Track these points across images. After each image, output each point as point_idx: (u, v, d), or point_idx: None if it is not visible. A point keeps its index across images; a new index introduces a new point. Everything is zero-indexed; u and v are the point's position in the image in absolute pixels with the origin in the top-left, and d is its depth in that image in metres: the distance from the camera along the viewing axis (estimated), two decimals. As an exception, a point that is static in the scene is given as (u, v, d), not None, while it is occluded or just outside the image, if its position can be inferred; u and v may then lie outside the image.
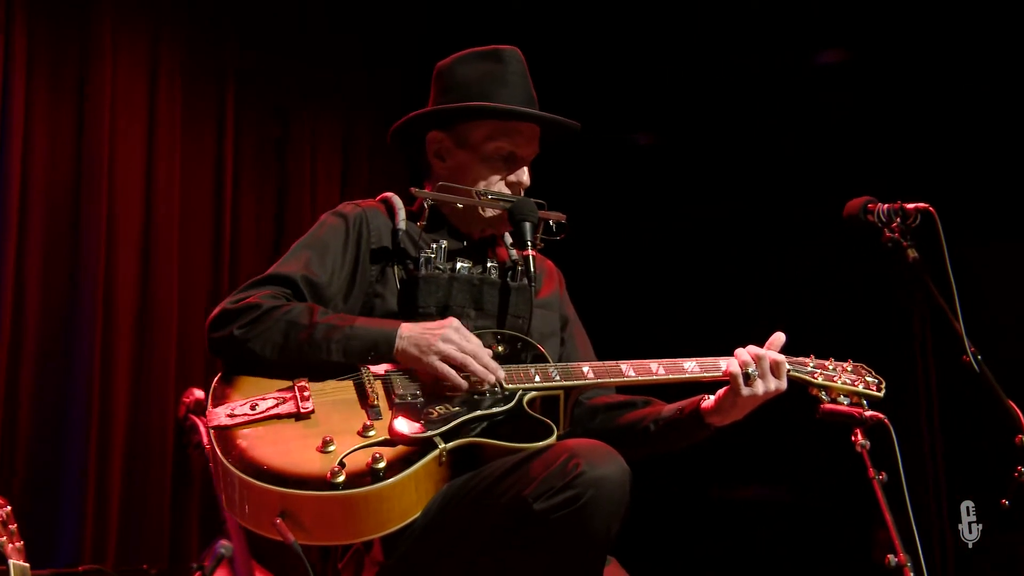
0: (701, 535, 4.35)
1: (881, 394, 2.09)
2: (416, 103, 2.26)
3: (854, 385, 2.07)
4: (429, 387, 1.88)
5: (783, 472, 4.29)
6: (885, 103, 4.11)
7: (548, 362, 1.99)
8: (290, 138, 4.52)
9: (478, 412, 1.84)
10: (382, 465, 1.69)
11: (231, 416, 1.80)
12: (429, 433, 1.77)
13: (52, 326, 3.75)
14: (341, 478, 1.67)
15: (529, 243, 2.08)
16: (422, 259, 2.06)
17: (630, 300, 4.61)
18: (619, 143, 4.75)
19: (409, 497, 1.72)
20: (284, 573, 2.90)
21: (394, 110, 2.42)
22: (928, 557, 1.87)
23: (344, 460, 1.70)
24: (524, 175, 2.17)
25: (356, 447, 1.73)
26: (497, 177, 2.15)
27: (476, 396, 1.87)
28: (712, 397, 2.04)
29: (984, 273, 3.49)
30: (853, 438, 1.94)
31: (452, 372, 1.86)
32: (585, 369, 1.98)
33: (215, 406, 1.82)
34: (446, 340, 1.86)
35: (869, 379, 2.10)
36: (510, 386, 1.90)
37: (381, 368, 1.92)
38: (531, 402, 1.91)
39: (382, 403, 1.85)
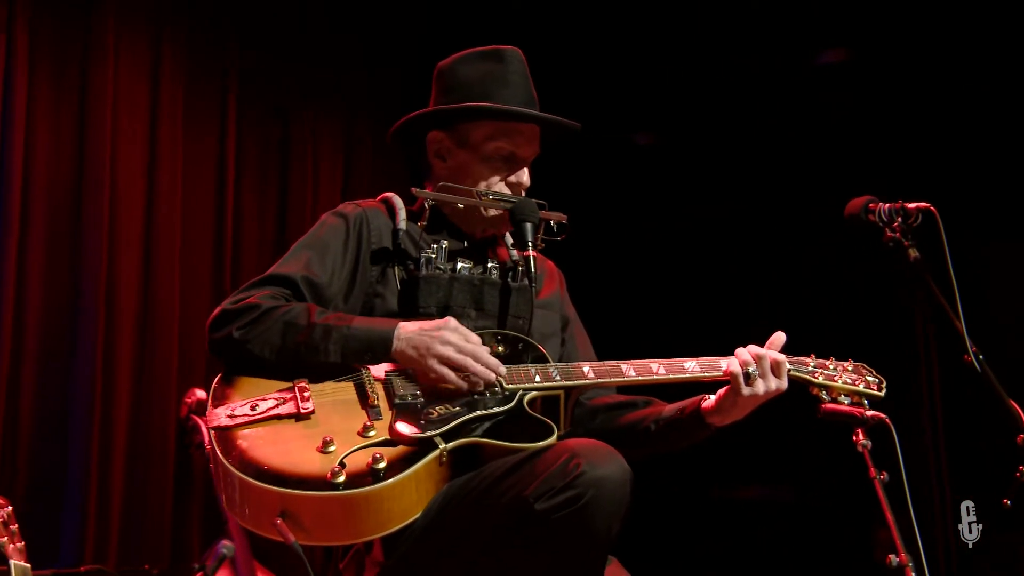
0: (702, 535, 4.35)
1: (882, 393, 2.09)
2: (416, 103, 2.26)
3: (855, 385, 2.07)
4: (429, 387, 1.88)
5: (784, 472, 4.28)
6: (886, 103, 4.11)
7: (549, 362, 1.99)
8: (291, 138, 4.52)
9: (478, 412, 1.84)
10: (382, 465, 1.69)
11: (231, 417, 1.80)
12: (430, 433, 1.77)
13: (54, 326, 3.75)
14: (341, 478, 1.67)
15: (530, 243, 2.08)
16: (423, 259, 2.06)
17: (631, 300, 4.60)
18: (620, 143, 4.75)
19: (409, 497, 1.72)
20: (285, 574, 2.90)
21: (394, 110, 2.43)
22: (930, 557, 1.87)
23: (344, 460, 1.70)
24: (524, 175, 2.17)
25: (356, 447, 1.73)
26: (497, 178, 2.15)
27: (476, 396, 1.87)
28: (713, 397, 2.04)
29: (985, 272, 3.49)
30: (854, 438, 1.94)
31: (451, 375, 1.86)
32: (586, 369, 1.98)
33: (215, 407, 1.82)
34: (444, 342, 1.86)
35: (870, 379, 2.10)
36: (510, 386, 1.90)
37: (381, 368, 1.92)
38: (531, 402, 1.91)
39: (382, 403, 1.85)
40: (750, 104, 4.44)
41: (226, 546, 2.37)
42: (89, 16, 3.90)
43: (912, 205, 2.28)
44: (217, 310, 1.95)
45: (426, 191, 2.15)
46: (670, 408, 2.10)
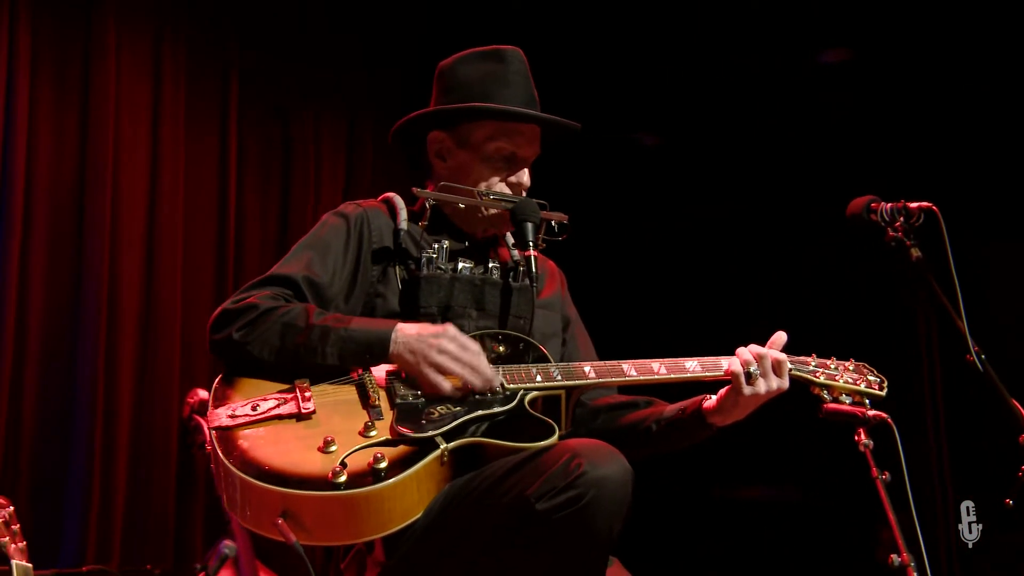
0: (703, 535, 4.35)
1: (883, 393, 2.08)
2: (416, 103, 2.26)
3: (856, 384, 2.07)
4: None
5: (786, 472, 4.28)
6: (888, 102, 4.10)
7: (550, 362, 1.99)
8: (293, 138, 4.53)
9: (480, 412, 1.84)
10: (384, 465, 1.69)
11: (232, 417, 1.80)
12: (431, 433, 1.77)
13: (56, 326, 3.76)
14: (343, 478, 1.67)
15: (531, 243, 2.08)
16: (424, 259, 2.05)
17: (632, 300, 4.60)
18: (620, 143, 4.75)
19: (411, 497, 1.72)
20: (287, 573, 2.91)
21: (394, 110, 2.43)
22: (932, 557, 1.87)
23: (345, 460, 1.70)
24: (524, 176, 2.17)
25: (357, 447, 1.73)
26: (497, 178, 2.15)
27: (478, 396, 1.87)
28: (714, 397, 2.04)
29: (987, 272, 3.49)
30: (856, 437, 1.94)
31: (446, 385, 1.85)
32: (587, 369, 1.98)
33: (216, 407, 1.82)
34: (441, 351, 1.85)
35: (871, 378, 2.10)
36: (512, 386, 1.90)
37: (382, 369, 1.92)
38: (533, 402, 1.90)
39: (383, 403, 1.85)
40: (751, 104, 4.44)
41: (228, 546, 2.37)
42: (90, 15, 3.91)
43: (914, 205, 2.27)
44: (218, 310, 1.95)
45: (427, 191, 2.15)
46: (671, 408, 2.10)
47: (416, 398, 1.85)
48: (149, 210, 4.01)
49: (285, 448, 1.74)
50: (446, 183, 2.14)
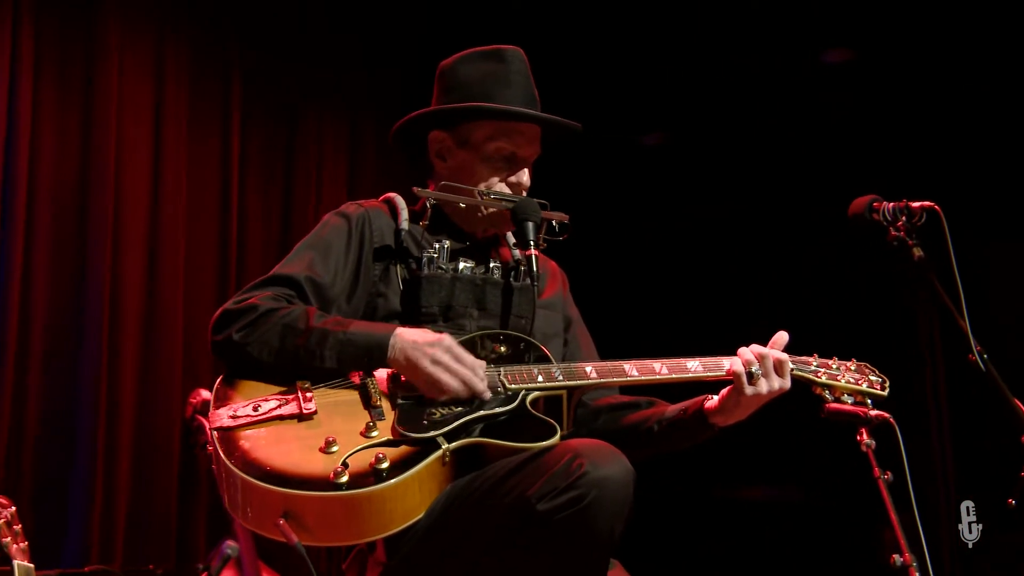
0: (705, 536, 4.34)
1: (885, 393, 2.08)
2: (416, 103, 2.26)
3: (858, 384, 2.07)
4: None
5: (788, 472, 4.28)
6: (890, 102, 4.10)
7: (551, 362, 1.99)
8: (295, 138, 4.53)
9: (481, 412, 1.84)
10: (385, 465, 1.69)
11: (234, 418, 1.80)
12: (432, 433, 1.77)
13: (59, 326, 3.76)
14: (344, 479, 1.67)
15: (532, 243, 2.08)
16: (425, 259, 2.06)
17: (633, 300, 4.60)
18: (621, 143, 4.74)
19: (412, 497, 1.72)
20: (288, 574, 2.91)
21: (395, 110, 2.43)
22: (934, 557, 1.87)
23: (347, 460, 1.70)
24: (524, 176, 2.16)
25: (359, 448, 1.73)
26: (497, 178, 2.14)
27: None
28: (716, 397, 2.04)
29: (990, 272, 3.48)
30: (858, 437, 1.93)
31: (441, 396, 1.84)
32: (588, 369, 1.98)
33: (217, 407, 1.82)
34: (435, 362, 1.84)
35: (873, 378, 2.10)
36: (513, 386, 1.90)
37: (383, 370, 1.92)
38: (534, 402, 1.90)
39: (385, 404, 1.85)
40: (753, 104, 4.43)
41: (231, 546, 2.37)
42: (93, 16, 3.92)
43: (916, 204, 2.27)
44: (219, 311, 1.95)
45: (427, 191, 2.15)
46: (673, 408, 2.10)
47: (418, 399, 1.85)
48: (151, 210, 4.01)
49: (287, 448, 1.74)
50: (447, 183, 2.14)
